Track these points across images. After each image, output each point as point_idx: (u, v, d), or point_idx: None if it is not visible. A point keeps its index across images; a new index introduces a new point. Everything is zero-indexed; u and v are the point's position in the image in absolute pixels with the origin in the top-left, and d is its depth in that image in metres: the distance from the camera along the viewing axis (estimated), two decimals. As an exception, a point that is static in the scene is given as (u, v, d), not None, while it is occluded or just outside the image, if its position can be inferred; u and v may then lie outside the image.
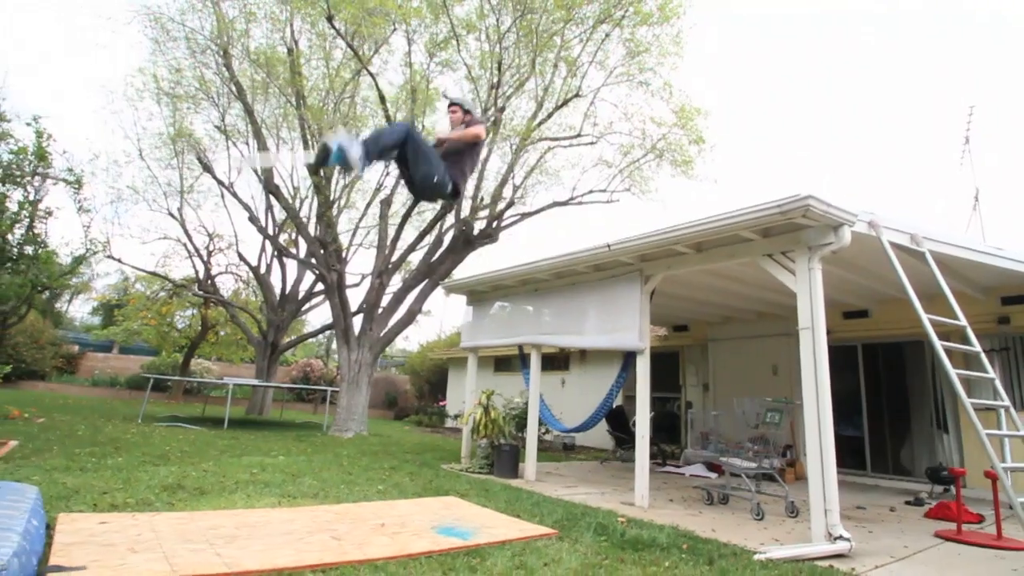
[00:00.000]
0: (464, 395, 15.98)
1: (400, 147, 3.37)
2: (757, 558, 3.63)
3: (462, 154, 3.84)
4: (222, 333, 21.23)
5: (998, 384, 4.55)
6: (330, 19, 8.33)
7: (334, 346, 32.96)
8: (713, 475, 8.27)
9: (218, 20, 10.19)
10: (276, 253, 16.34)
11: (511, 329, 7.93)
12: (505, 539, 3.61)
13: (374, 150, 3.21)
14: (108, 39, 26.77)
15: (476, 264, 14.62)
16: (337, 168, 3.29)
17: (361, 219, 16.57)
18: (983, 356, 4.67)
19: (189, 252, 16.82)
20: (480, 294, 8.66)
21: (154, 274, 16.50)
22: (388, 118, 9.71)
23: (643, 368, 5.99)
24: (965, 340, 4.82)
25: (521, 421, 9.65)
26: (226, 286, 19.59)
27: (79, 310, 31.74)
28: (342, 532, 3.54)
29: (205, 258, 17.17)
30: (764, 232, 5.01)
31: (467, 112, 4.19)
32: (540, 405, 7.71)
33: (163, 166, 15.18)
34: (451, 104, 4.20)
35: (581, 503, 5.35)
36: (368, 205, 16.22)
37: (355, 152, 3.03)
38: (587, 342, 6.82)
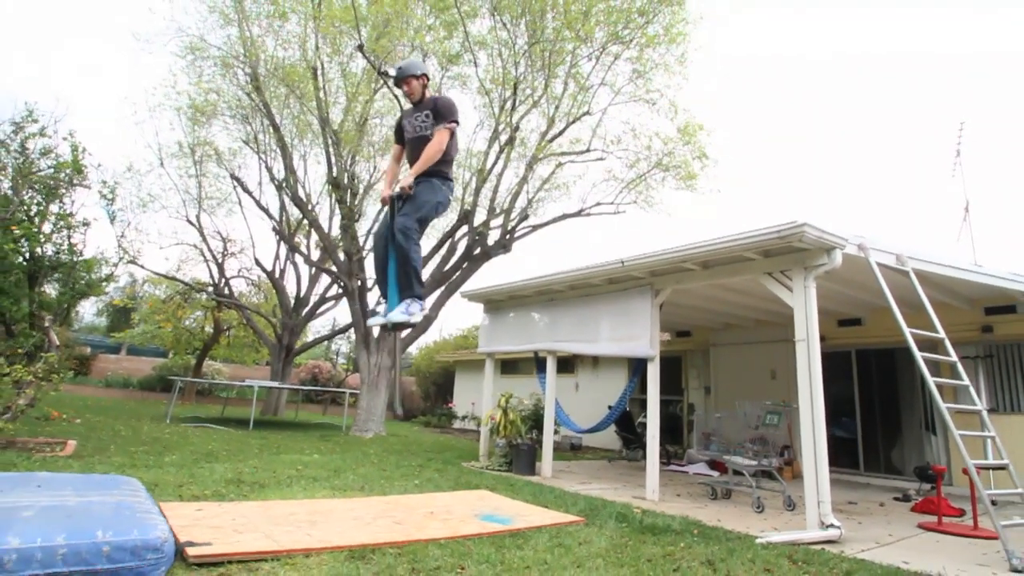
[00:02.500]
0: (472, 397, 16.65)
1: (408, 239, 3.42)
2: (759, 541, 4.19)
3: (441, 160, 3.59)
4: (228, 334, 21.69)
5: (972, 391, 5.11)
6: (360, 48, 8.90)
7: (343, 348, 33.54)
8: (715, 473, 8.79)
9: (243, 42, 10.74)
10: (290, 254, 16.88)
11: (528, 336, 8.46)
12: (540, 524, 4.17)
13: (417, 283, 3.43)
14: (139, 58, 27.71)
15: (487, 270, 15.04)
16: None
17: (372, 226, 17.13)
18: (959, 365, 5.23)
19: (205, 257, 17.37)
20: (497, 303, 9.20)
21: (174, 279, 17.02)
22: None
23: (654, 374, 6.53)
24: (947, 351, 5.36)
25: (533, 422, 10.17)
26: (237, 289, 20.15)
27: (86, 311, 32.22)
28: (400, 518, 4.09)
29: (220, 262, 17.71)
30: (764, 253, 5.56)
31: (420, 76, 3.69)
32: (556, 407, 8.24)
33: (183, 175, 15.76)
34: (401, 79, 3.68)
35: (598, 497, 5.89)
36: (379, 213, 16.78)
37: (418, 308, 3.43)
38: (601, 349, 7.36)
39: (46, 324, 7.54)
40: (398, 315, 3.43)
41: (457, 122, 3.68)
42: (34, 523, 2.51)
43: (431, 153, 3.52)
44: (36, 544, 2.32)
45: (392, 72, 3.80)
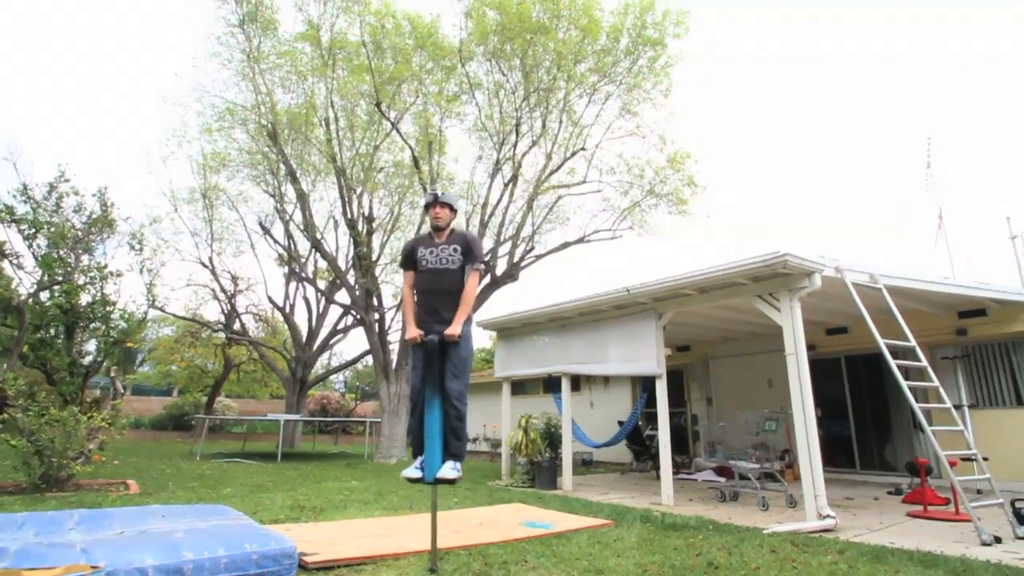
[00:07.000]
0: (481, 419, 17.24)
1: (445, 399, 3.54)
2: (765, 532, 4.87)
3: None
4: (238, 370, 22.16)
5: (941, 391, 5.84)
6: (378, 104, 9.75)
7: (348, 378, 33.94)
8: (722, 479, 9.40)
9: (258, 98, 11.57)
10: (302, 288, 17.56)
11: (541, 359, 9.13)
12: (578, 527, 4.83)
13: (465, 444, 3.60)
14: (164, 118, 29.29)
15: (493, 298, 15.77)
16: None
17: (377, 259, 17.86)
18: (929, 369, 5.97)
19: (218, 298, 18.01)
20: (510, 330, 9.89)
21: (193, 320, 17.61)
22: (423, 183, 11.08)
23: (662, 390, 7.22)
24: (917, 356, 6.08)
25: (548, 441, 10.74)
26: (246, 325, 20.73)
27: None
28: (456, 528, 4.72)
29: (231, 299, 18.33)
30: (754, 278, 6.31)
31: (454, 209, 3.80)
32: (572, 424, 8.89)
33: (193, 217, 16.51)
34: (435, 204, 3.76)
35: (619, 504, 6.54)
36: (383, 246, 17.52)
37: (457, 469, 3.51)
38: (611, 370, 8.05)
39: (112, 374, 8.15)
40: (450, 472, 3.49)
41: (487, 265, 4.07)
42: (189, 541, 3.15)
43: (469, 299, 3.63)
44: (204, 556, 2.96)
45: (428, 196, 3.84)
